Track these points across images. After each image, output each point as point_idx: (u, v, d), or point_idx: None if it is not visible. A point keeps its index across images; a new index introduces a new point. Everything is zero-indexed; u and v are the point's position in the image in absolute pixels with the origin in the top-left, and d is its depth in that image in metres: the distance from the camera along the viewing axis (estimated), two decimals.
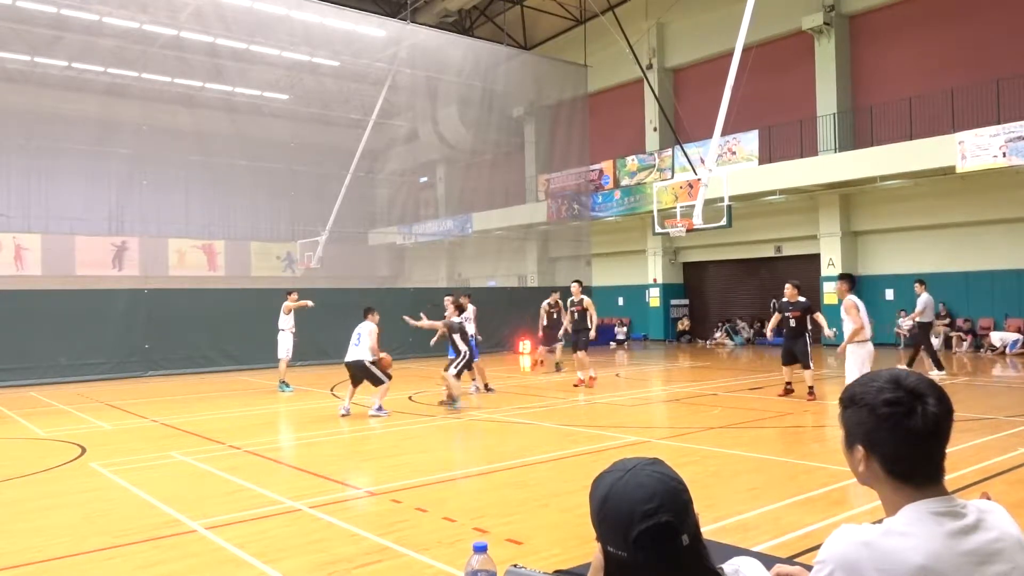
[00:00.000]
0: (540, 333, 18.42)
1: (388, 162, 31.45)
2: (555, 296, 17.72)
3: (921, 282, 16.06)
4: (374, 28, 24.66)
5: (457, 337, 12.23)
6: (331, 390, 14.87)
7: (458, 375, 12.06)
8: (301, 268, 28.23)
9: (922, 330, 15.59)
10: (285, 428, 11.29)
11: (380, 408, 11.36)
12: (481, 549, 2.28)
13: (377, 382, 11.45)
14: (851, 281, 10.01)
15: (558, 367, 17.66)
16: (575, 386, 14.32)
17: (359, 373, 11.50)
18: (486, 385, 14.08)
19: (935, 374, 15.09)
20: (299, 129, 28.27)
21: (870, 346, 9.67)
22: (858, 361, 9.58)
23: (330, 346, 20.37)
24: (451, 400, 11.85)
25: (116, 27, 22.12)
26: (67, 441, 9.61)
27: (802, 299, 12.54)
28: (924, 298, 15.44)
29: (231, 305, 19.81)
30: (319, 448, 9.17)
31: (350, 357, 11.53)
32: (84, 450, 8.94)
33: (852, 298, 9.74)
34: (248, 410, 12.57)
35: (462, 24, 31.40)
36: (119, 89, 24.53)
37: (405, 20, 25.04)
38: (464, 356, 12.13)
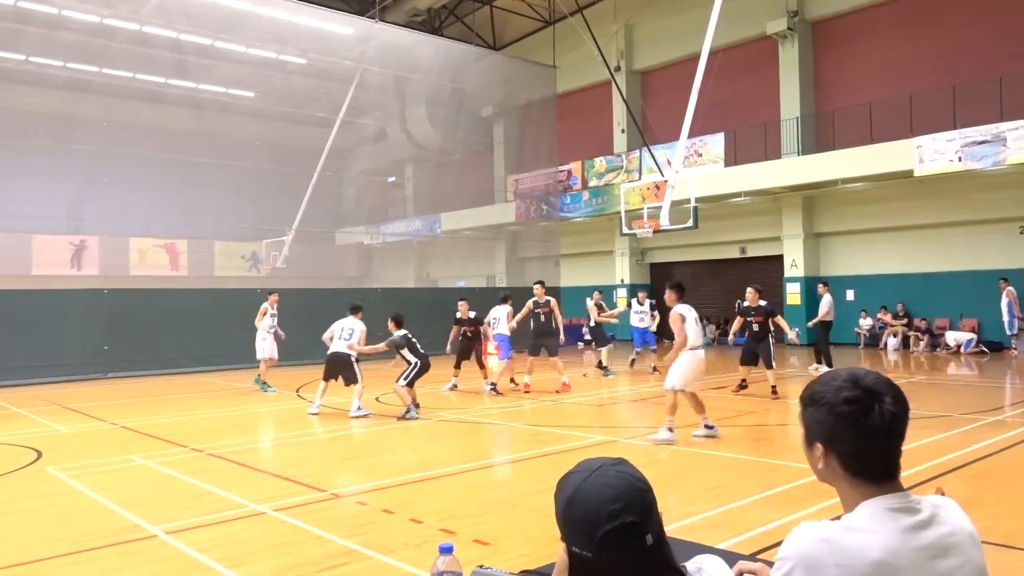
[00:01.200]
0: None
1: (356, 161, 31.29)
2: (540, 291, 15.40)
3: (824, 284, 16.66)
4: (342, 26, 24.50)
5: (405, 352, 11.65)
6: (297, 391, 14.75)
7: (409, 384, 11.52)
8: (267, 268, 27.95)
9: (823, 329, 16.00)
10: (250, 431, 11.17)
11: (359, 408, 11.36)
12: (447, 550, 2.28)
13: (354, 380, 11.48)
14: (679, 290, 9.12)
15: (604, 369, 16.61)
16: (558, 392, 13.66)
17: (339, 368, 11.56)
18: (494, 385, 13.76)
19: (815, 368, 15.77)
20: (265, 127, 27.99)
21: (699, 354, 8.88)
22: (682, 366, 8.78)
23: (297, 347, 20.18)
24: (407, 411, 11.36)
25: (77, 21, 21.71)
26: (22, 445, 9.39)
27: (763, 303, 12.82)
28: (826, 299, 15.97)
29: (194, 305, 19.54)
30: (284, 451, 9.09)
31: (335, 349, 11.68)
32: (40, 454, 8.75)
33: (677, 310, 8.83)
34: (212, 412, 12.42)
35: (431, 23, 31.32)
36: (80, 84, 24.09)
37: (374, 18, 24.91)
38: (414, 366, 11.52)
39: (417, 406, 11.68)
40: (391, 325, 12.01)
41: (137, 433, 10.21)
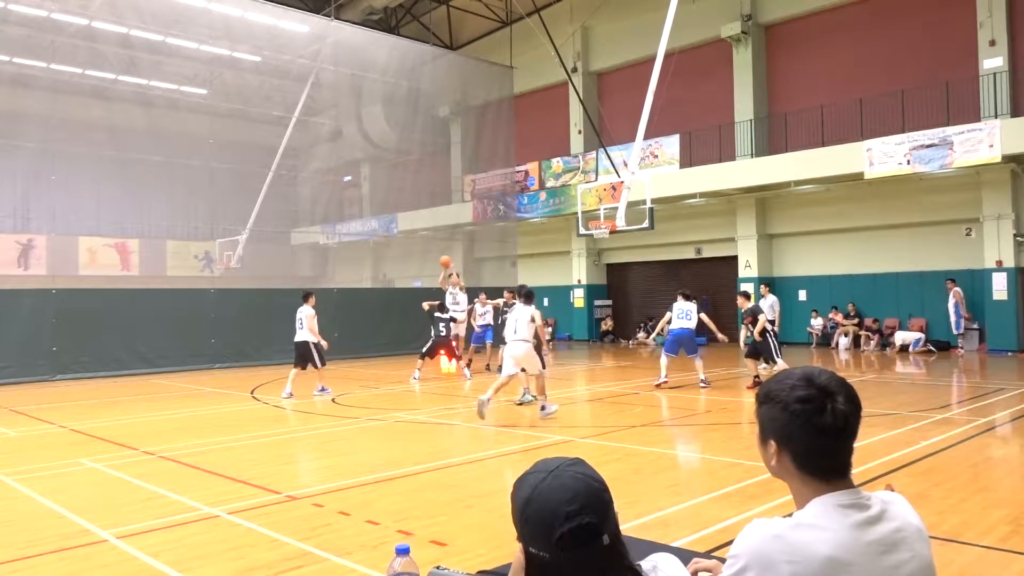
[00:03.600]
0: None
1: (311, 160, 30.95)
2: (509, 296, 16.73)
3: (767, 285, 17.63)
4: (297, 23, 24.22)
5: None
6: (251, 393, 14.54)
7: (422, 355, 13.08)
8: (220, 268, 27.52)
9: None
10: (202, 432, 10.96)
11: (323, 389, 13.26)
12: (403, 551, 2.27)
13: (314, 365, 13.19)
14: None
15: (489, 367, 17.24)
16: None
17: (299, 353, 13.32)
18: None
19: (764, 368, 16.05)
20: (218, 125, 27.52)
21: None
22: None
23: (250, 348, 19.95)
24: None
25: (23, 15, 21.14)
26: None
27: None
28: (770, 299, 16.61)
29: (145, 306, 19.14)
30: (238, 452, 8.94)
31: (296, 338, 13.42)
32: None
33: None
34: (164, 414, 12.17)
35: (387, 22, 31.12)
36: (26, 79, 23.44)
37: (329, 16, 24.66)
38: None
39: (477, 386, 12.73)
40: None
41: (87, 436, 9.98)
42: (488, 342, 17.69)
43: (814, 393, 1.72)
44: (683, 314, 14.04)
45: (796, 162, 20.50)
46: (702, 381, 13.68)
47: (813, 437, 1.72)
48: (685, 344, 13.91)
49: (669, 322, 14.19)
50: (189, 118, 26.24)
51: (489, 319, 17.63)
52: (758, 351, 13.97)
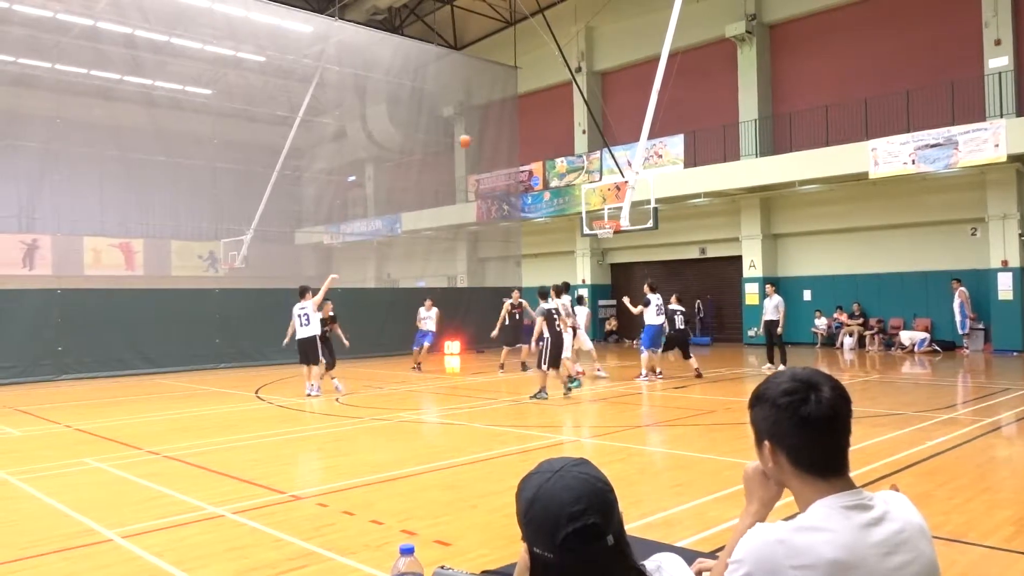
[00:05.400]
0: (496, 332, 17.41)
1: (315, 160, 30.93)
2: (517, 295, 17.82)
3: (772, 284, 17.51)
4: (301, 23, 24.23)
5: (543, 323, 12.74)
6: (256, 392, 14.56)
7: (551, 365, 12.55)
8: (225, 268, 27.54)
9: (769, 327, 16.36)
10: (207, 432, 10.98)
11: (316, 388, 13.30)
12: (408, 551, 2.26)
13: (318, 361, 13.32)
14: None
15: (524, 366, 17.41)
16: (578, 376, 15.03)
17: (310, 350, 13.30)
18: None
19: (767, 367, 16.24)
20: (222, 125, 27.49)
21: None
22: None
23: (254, 348, 19.96)
24: (538, 390, 12.56)
25: (27, 15, 21.17)
26: None
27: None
28: (775, 299, 16.49)
29: (150, 306, 19.18)
30: (242, 452, 8.95)
31: (302, 335, 13.34)
32: None
33: None
34: (167, 414, 12.19)
35: (391, 22, 31.14)
36: (30, 80, 23.46)
37: (333, 16, 24.68)
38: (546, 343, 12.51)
39: (570, 383, 12.80)
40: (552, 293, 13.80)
41: (91, 435, 10.00)
42: (427, 343, 18.26)
43: (798, 385, 1.75)
44: (661, 309, 15.44)
45: (801, 162, 20.46)
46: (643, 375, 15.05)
47: (803, 428, 1.73)
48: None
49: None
50: (193, 118, 26.23)
51: (430, 325, 18.29)
52: (673, 344, 15.48)
